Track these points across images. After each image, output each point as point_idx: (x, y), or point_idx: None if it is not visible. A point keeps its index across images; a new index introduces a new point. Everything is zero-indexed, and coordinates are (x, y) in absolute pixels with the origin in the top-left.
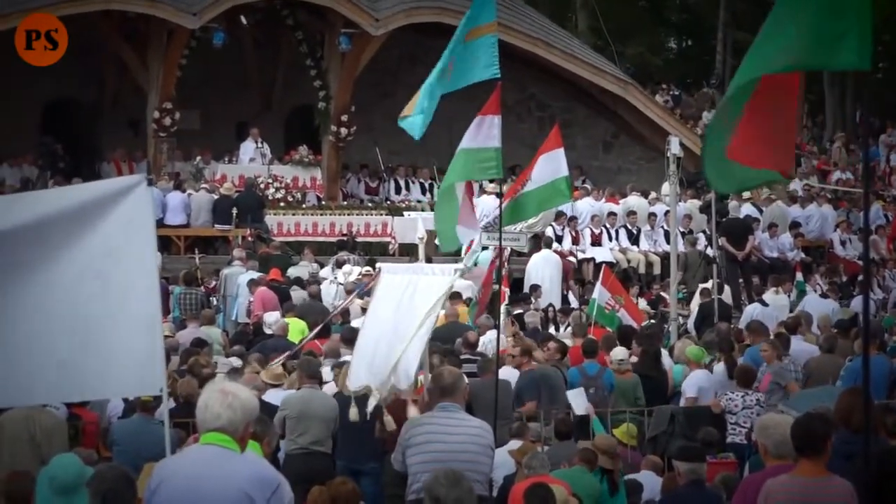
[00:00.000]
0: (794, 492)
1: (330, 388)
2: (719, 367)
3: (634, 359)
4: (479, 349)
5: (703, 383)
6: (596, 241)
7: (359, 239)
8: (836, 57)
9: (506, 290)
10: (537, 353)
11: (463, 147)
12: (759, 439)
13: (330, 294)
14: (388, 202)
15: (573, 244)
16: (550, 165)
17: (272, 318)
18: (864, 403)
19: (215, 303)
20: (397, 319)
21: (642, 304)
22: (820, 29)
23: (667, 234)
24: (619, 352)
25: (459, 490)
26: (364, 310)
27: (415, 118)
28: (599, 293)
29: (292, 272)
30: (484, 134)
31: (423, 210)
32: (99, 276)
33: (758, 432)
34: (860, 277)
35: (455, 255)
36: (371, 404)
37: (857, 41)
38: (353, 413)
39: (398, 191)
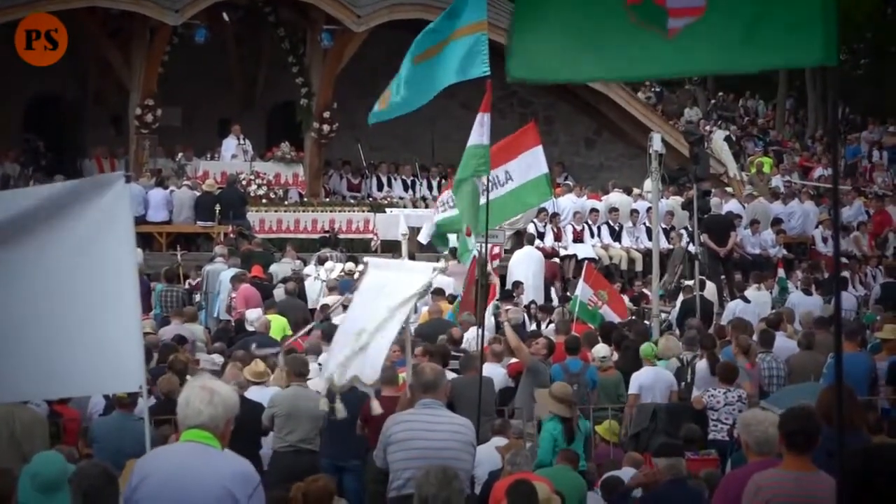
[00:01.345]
0: (787, 486)
1: (313, 385)
2: (702, 363)
3: (615, 356)
4: (462, 346)
5: (645, 381)
6: (578, 238)
7: (341, 236)
8: (802, 54)
9: (496, 283)
10: (524, 346)
11: (468, 144)
12: (741, 435)
13: (314, 291)
14: (371, 199)
15: (555, 241)
16: (530, 163)
17: (254, 314)
18: (836, 400)
19: (197, 299)
20: (371, 313)
21: (625, 301)
22: (781, 26)
23: (649, 231)
24: (601, 349)
25: (450, 490)
26: (345, 307)
27: (389, 110)
28: (582, 290)
29: (274, 269)
30: (477, 132)
31: (405, 207)
32: (77, 274)
33: (740, 428)
34: (843, 273)
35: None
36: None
37: (822, 36)
38: (340, 409)
39: (380, 187)
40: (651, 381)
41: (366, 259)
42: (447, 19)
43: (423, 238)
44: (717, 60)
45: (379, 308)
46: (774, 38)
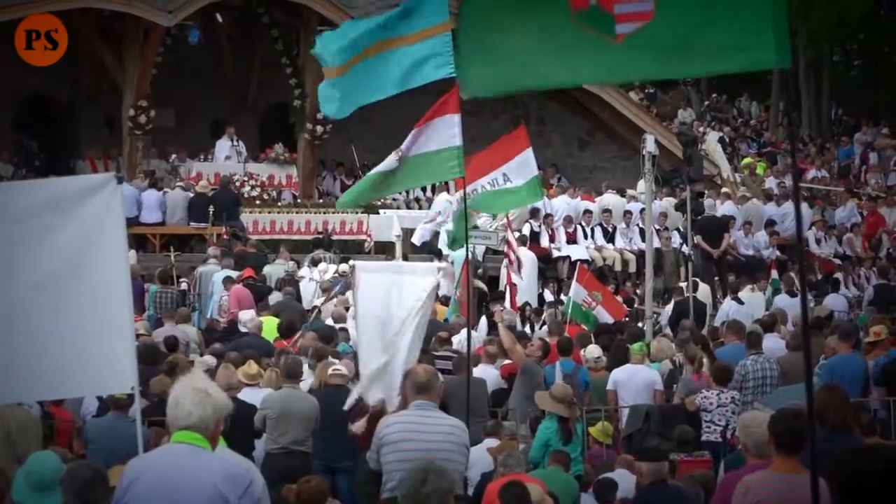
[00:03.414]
0: (778, 487)
1: (305, 385)
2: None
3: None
4: (454, 347)
5: (619, 378)
6: (571, 239)
7: (334, 237)
8: (755, 57)
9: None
10: (518, 347)
11: (420, 152)
12: (740, 437)
13: (308, 292)
14: None
15: (549, 242)
16: (524, 165)
17: (247, 315)
18: (807, 402)
19: (191, 300)
20: (385, 323)
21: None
22: (732, 30)
23: (642, 232)
24: (593, 349)
25: (429, 488)
26: (347, 308)
27: (337, 97)
28: (575, 291)
29: (268, 270)
30: (444, 134)
31: (398, 208)
32: (69, 274)
33: (740, 430)
34: (834, 275)
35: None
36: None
37: (774, 39)
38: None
39: None
40: (626, 378)
41: (351, 262)
42: (400, 19)
43: (416, 240)
44: (667, 65)
45: (392, 321)
46: (725, 42)
